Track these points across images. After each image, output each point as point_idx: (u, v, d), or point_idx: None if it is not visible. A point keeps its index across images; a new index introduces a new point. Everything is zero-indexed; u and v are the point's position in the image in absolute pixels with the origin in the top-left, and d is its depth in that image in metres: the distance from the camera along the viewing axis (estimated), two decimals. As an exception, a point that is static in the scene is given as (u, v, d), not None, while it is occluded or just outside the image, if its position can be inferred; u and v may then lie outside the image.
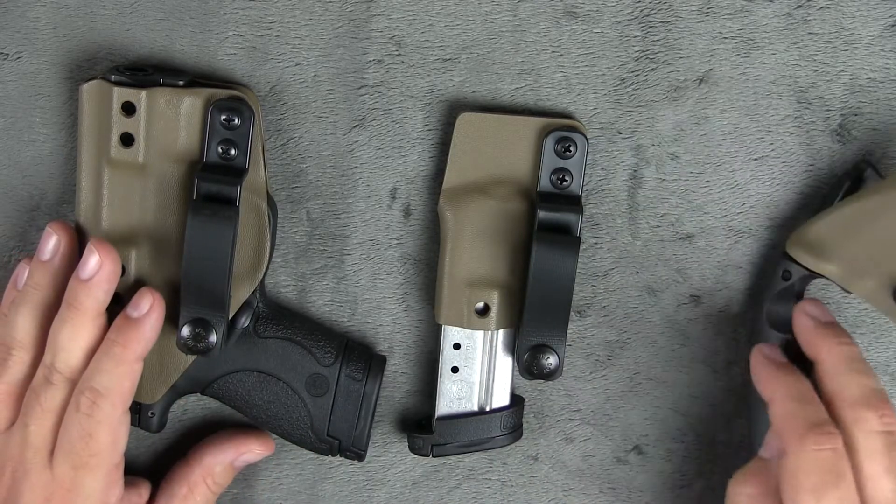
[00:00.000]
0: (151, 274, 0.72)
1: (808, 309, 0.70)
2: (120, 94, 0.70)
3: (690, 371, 0.77)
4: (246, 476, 0.80)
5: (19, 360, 0.70)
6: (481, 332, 0.75)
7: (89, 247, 0.69)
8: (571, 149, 0.72)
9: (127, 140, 0.70)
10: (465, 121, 0.73)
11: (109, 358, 0.69)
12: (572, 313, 0.76)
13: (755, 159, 0.74)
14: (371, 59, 0.74)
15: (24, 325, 0.71)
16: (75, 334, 0.69)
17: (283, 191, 0.76)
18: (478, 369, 0.75)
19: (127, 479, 0.73)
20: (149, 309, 0.70)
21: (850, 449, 0.64)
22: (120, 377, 0.69)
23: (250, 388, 0.74)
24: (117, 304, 0.71)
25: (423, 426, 0.77)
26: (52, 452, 0.70)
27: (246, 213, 0.72)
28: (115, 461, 0.71)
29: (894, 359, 0.77)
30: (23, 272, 0.72)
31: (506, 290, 0.73)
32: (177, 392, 0.75)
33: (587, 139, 0.72)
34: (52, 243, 0.71)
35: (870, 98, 0.73)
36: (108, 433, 0.69)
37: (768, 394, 0.68)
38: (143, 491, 0.76)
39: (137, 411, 0.74)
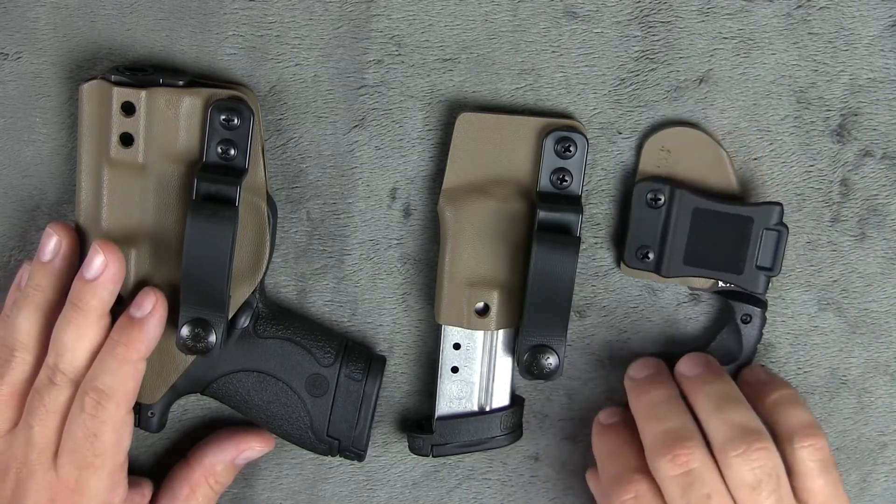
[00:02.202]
0: (151, 274, 0.72)
1: (629, 372, 0.75)
2: (120, 94, 0.70)
3: (690, 371, 0.77)
4: (246, 476, 0.80)
5: (22, 361, 0.71)
6: (481, 332, 0.75)
7: (94, 247, 0.69)
8: (571, 149, 0.72)
9: (127, 140, 0.70)
10: (465, 121, 0.73)
11: (113, 358, 0.69)
12: (572, 313, 0.76)
13: (755, 159, 0.74)
14: (371, 59, 0.74)
15: (25, 327, 0.71)
16: (79, 335, 0.69)
17: (283, 191, 0.76)
18: (478, 369, 0.75)
19: (129, 478, 0.73)
20: (152, 308, 0.70)
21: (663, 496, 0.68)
22: (124, 377, 0.69)
23: (250, 388, 0.74)
24: (118, 304, 0.71)
25: (423, 426, 0.77)
26: (56, 453, 0.70)
27: (245, 214, 0.72)
28: (120, 461, 0.71)
29: (894, 359, 0.77)
30: (26, 274, 0.72)
31: (506, 290, 0.73)
32: (176, 392, 0.75)
33: (587, 139, 0.72)
34: (53, 244, 0.71)
35: (870, 98, 0.73)
36: (112, 433, 0.69)
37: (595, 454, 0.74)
38: (146, 491, 0.76)
39: (137, 411, 0.74)
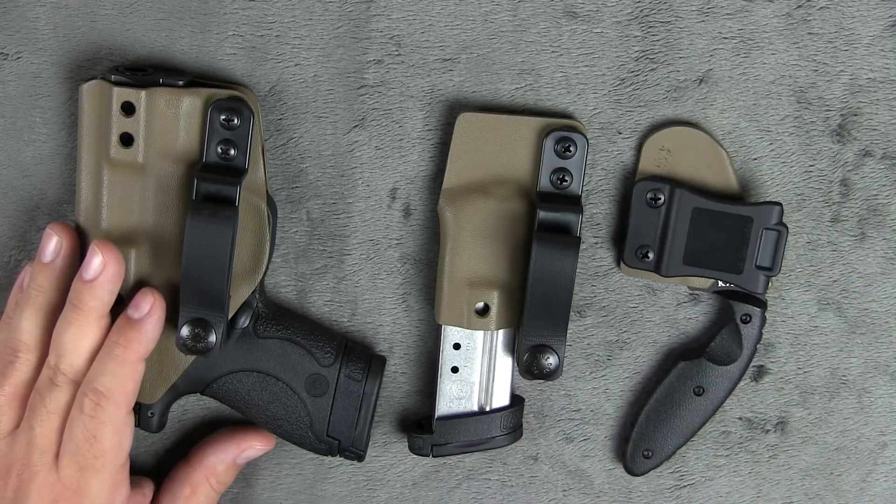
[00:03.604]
0: (151, 274, 0.72)
1: None
2: (120, 94, 0.70)
3: (690, 371, 0.77)
4: (246, 476, 0.80)
5: (25, 362, 0.71)
6: (481, 332, 0.75)
7: (93, 247, 0.69)
8: (571, 149, 0.72)
9: (126, 140, 0.70)
10: (465, 121, 0.73)
11: (111, 359, 0.69)
12: (572, 313, 0.76)
13: (755, 159, 0.74)
14: (371, 59, 0.74)
15: (28, 328, 0.71)
16: (79, 335, 0.69)
17: (283, 191, 0.76)
18: (478, 369, 0.75)
19: (131, 479, 0.73)
20: (150, 309, 0.70)
21: None
22: (122, 378, 0.69)
23: (250, 388, 0.74)
24: (118, 304, 0.71)
25: (423, 426, 0.77)
26: (57, 454, 0.70)
27: (245, 214, 0.72)
28: (121, 462, 0.71)
29: (894, 359, 0.77)
30: (28, 275, 0.72)
31: (506, 290, 0.73)
32: (177, 392, 0.75)
33: (587, 139, 0.72)
34: (54, 245, 0.71)
35: (870, 98, 0.73)
36: (112, 434, 0.69)
37: None
38: (147, 490, 0.76)
39: (137, 411, 0.74)
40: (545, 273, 0.70)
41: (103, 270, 0.69)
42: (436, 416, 0.75)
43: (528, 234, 0.73)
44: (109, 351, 0.69)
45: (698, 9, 0.73)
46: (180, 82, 0.71)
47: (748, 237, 0.72)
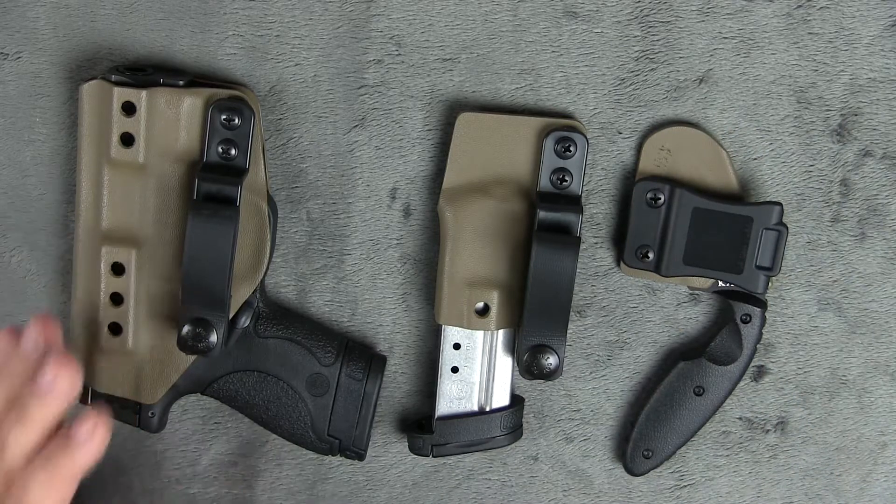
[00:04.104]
0: (151, 274, 0.72)
1: None
2: (120, 94, 0.70)
3: (690, 371, 0.77)
4: (246, 476, 0.80)
5: None
6: (481, 332, 0.75)
7: (50, 360, 0.65)
8: (571, 149, 0.72)
9: (127, 140, 0.70)
10: (465, 121, 0.73)
11: (43, 470, 0.66)
12: (572, 313, 0.76)
13: (755, 159, 0.74)
14: (371, 59, 0.74)
15: None
16: (22, 440, 0.66)
17: (283, 191, 0.76)
18: (478, 369, 0.75)
19: None
20: (87, 438, 0.66)
21: None
22: (50, 492, 0.65)
23: (251, 388, 0.74)
24: (117, 303, 0.71)
25: (423, 426, 0.77)
26: None
27: (246, 213, 0.72)
28: None
29: (894, 359, 0.77)
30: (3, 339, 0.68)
31: (506, 290, 0.73)
32: (177, 392, 0.74)
33: (587, 139, 0.72)
34: (32, 341, 0.67)
35: (870, 98, 0.74)
36: None
37: None
38: None
39: (138, 411, 0.74)
40: (545, 273, 0.70)
41: (56, 386, 0.65)
42: (436, 416, 0.75)
43: (528, 234, 0.73)
44: (44, 463, 0.66)
45: (698, 9, 0.73)
46: (181, 82, 0.71)
47: (748, 237, 0.72)
